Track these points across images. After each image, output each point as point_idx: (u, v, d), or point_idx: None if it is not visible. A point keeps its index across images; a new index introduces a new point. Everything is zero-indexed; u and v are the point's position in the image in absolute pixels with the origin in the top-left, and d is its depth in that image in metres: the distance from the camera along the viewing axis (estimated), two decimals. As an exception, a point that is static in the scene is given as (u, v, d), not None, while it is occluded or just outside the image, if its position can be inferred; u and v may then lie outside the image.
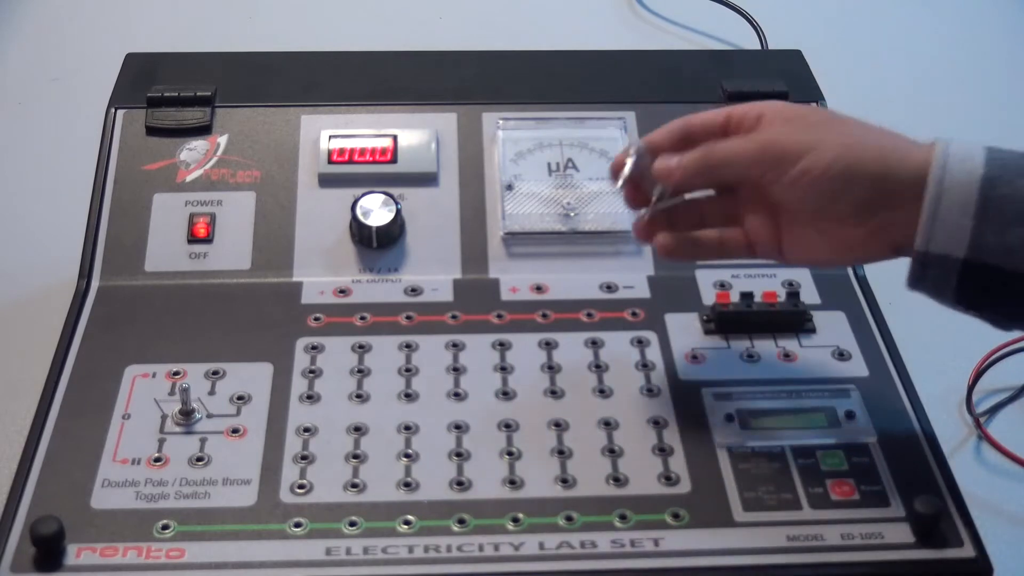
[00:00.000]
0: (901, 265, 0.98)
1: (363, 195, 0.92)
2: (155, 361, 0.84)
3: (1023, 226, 0.67)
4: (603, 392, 0.83)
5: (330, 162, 0.95)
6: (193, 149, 0.95)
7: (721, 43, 1.26)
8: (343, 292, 0.90)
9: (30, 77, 1.21)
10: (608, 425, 0.80)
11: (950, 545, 0.73)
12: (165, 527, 0.73)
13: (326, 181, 0.94)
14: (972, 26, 1.34)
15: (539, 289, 0.89)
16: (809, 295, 0.90)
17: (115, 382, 0.82)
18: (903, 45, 1.31)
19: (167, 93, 0.97)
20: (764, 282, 0.91)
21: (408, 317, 0.88)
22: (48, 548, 0.71)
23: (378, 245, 0.92)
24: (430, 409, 0.81)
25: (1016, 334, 0.91)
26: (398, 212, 0.92)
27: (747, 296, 0.88)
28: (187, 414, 0.80)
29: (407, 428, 0.80)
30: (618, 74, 1.03)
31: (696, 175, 0.76)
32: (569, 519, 0.75)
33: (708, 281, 0.91)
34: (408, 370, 0.84)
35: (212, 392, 0.82)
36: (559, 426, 0.80)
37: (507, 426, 0.80)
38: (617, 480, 0.77)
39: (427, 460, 0.78)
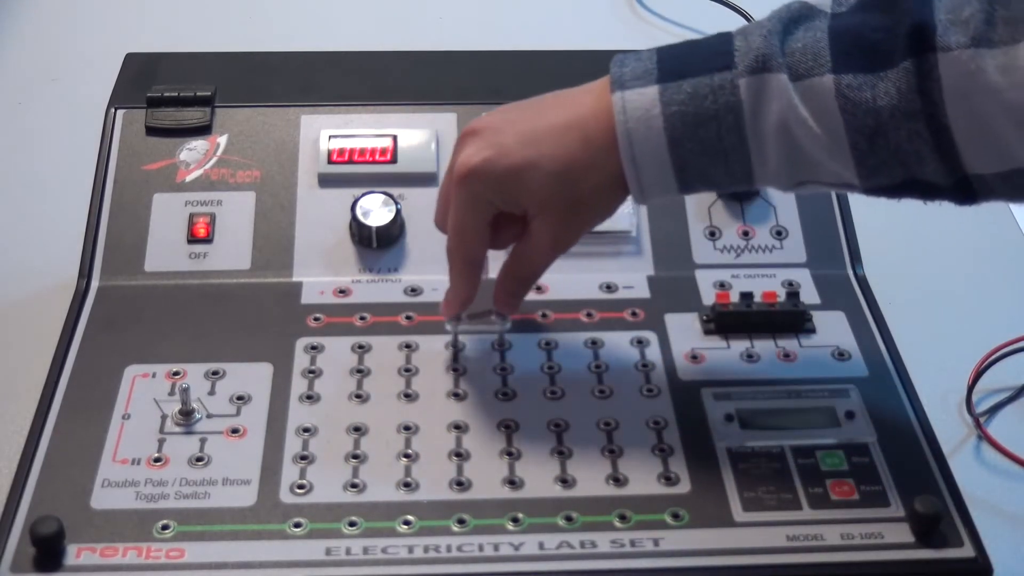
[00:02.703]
0: (901, 265, 0.99)
1: (363, 195, 0.92)
2: (155, 361, 0.84)
3: (715, 164, 0.73)
4: (603, 392, 0.83)
5: (330, 162, 0.95)
6: (193, 149, 0.95)
7: (721, 43, 1.26)
8: (343, 292, 0.90)
9: (30, 77, 1.21)
10: (608, 425, 0.80)
11: (950, 545, 0.73)
12: (165, 527, 0.73)
13: (326, 181, 0.94)
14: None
15: (539, 289, 0.89)
16: (809, 295, 0.90)
17: (115, 382, 0.82)
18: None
19: (167, 93, 0.97)
20: (764, 282, 0.91)
21: (408, 317, 0.88)
22: (48, 548, 0.71)
23: (378, 245, 0.92)
24: (430, 409, 0.81)
25: (1016, 334, 0.91)
26: (398, 212, 0.92)
27: (747, 296, 0.88)
28: (187, 414, 0.80)
29: (407, 428, 0.80)
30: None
31: (523, 294, 0.83)
32: (569, 519, 0.75)
33: (708, 281, 0.91)
34: (408, 370, 0.84)
35: (212, 392, 0.82)
36: (559, 426, 0.80)
37: (507, 426, 0.80)
38: (617, 480, 0.77)
39: (427, 460, 0.78)
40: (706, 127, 0.72)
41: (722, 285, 0.91)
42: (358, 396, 0.82)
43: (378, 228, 0.91)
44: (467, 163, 0.76)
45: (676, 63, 0.74)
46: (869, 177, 0.71)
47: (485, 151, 0.76)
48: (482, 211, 0.78)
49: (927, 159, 0.69)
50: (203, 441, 0.79)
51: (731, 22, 1.27)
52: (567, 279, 0.90)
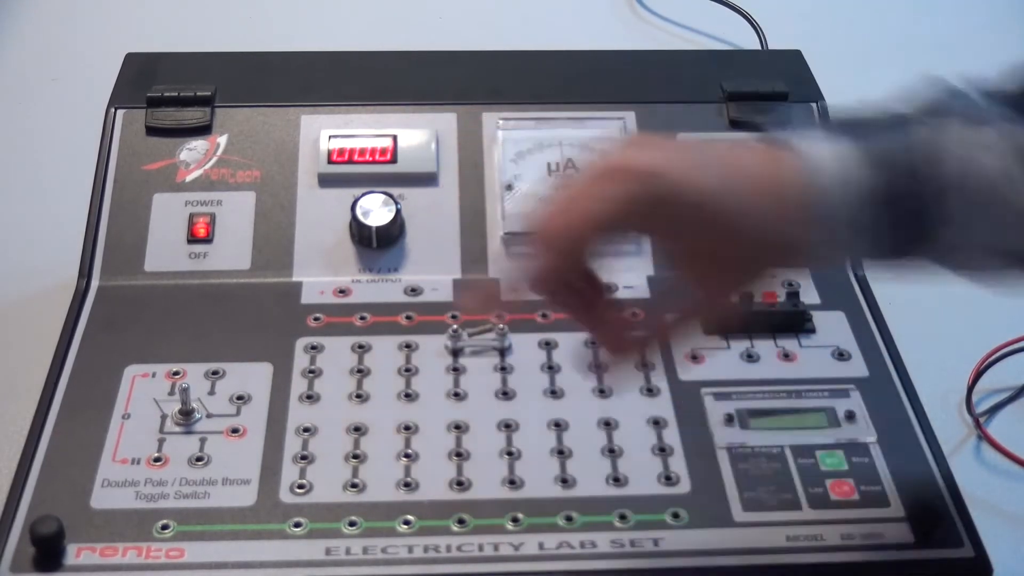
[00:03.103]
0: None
1: (363, 195, 0.92)
2: (155, 361, 0.84)
3: (909, 222, 0.65)
4: (603, 392, 0.83)
5: (330, 162, 0.95)
6: (193, 149, 0.95)
7: (721, 43, 1.26)
8: (343, 292, 0.90)
9: (30, 77, 1.21)
10: (608, 425, 0.80)
11: (950, 545, 0.73)
12: (165, 527, 0.73)
13: (326, 181, 0.94)
14: (971, 26, 1.34)
15: (539, 289, 0.89)
16: (809, 295, 0.90)
17: (115, 382, 0.82)
18: (903, 45, 1.31)
19: (167, 93, 0.97)
20: (764, 282, 0.90)
21: (408, 317, 0.88)
22: (48, 548, 0.71)
23: (378, 245, 0.92)
24: (430, 409, 0.81)
25: (1016, 334, 0.91)
26: (398, 212, 0.92)
27: (747, 296, 0.88)
28: (187, 414, 0.80)
29: (407, 428, 0.80)
30: (618, 74, 1.03)
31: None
32: (569, 519, 0.75)
33: (708, 281, 0.91)
34: (408, 370, 0.84)
35: (212, 392, 0.82)
36: (559, 426, 0.80)
37: (507, 426, 0.80)
38: (617, 480, 0.77)
39: (427, 460, 0.78)
40: (896, 181, 0.64)
41: (722, 285, 0.90)
42: (358, 396, 0.82)
43: (378, 228, 0.91)
44: (647, 159, 0.64)
45: (857, 124, 0.68)
46: None
47: (672, 158, 0.65)
48: (627, 215, 0.65)
49: None
50: (203, 441, 0.79)
51: (731, 22, 1.27)
52: (567, 279, 0.90)
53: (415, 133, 0.96)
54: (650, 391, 0.83)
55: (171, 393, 0.82)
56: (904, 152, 0.65)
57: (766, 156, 0.66)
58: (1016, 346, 0.91)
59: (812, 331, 0.87)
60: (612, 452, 0.79)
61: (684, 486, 0.77)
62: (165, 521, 0.74)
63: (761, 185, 0.65)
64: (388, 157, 0.95)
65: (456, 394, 0.82)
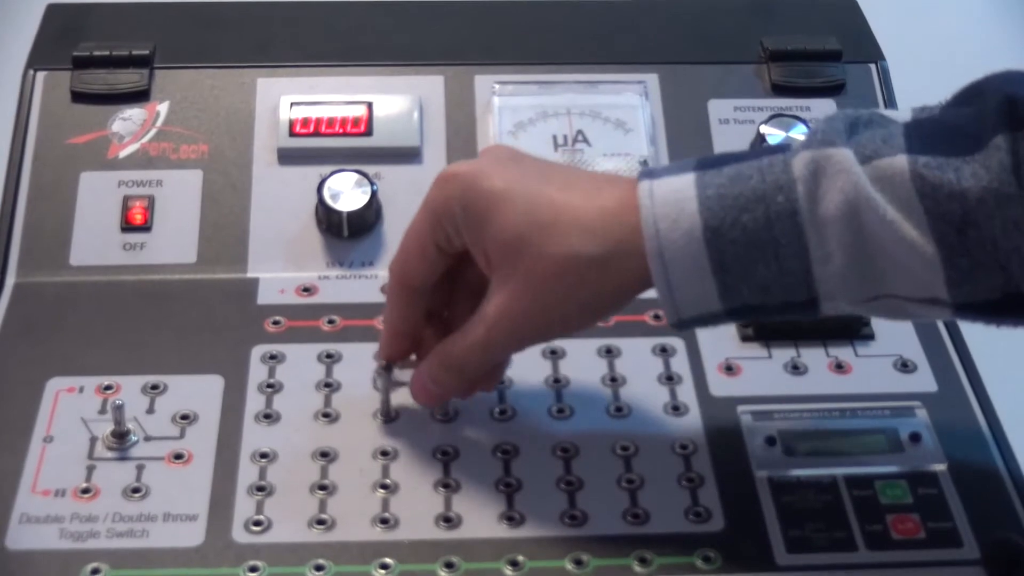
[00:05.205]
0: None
1: (331, 174, 0.92)
2: (83, 373, 0.84)
3: (763, 261, 0.70)
4: (619, 411, 0.83)
5: (292, 134, 0.95)
6: (128, 119, 0.96)
7: (761, -9, 1.27)
8: (307, 291, 0.90)
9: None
10: (626, 450, 0.81)
11: (1034, 593, 0.74)
12: (95, 571, 0.74)
13: (287, 157, 0.95)
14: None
15: (543, 287, 0.90)
16: (866, 294, 0.90)
17: (35, 398, 0.82)
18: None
19: (97, 52, 0.97)
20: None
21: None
22: (-45, 597, 0.71)
23: (349, 234, 0.92)
24: (411, 431, 0.82)
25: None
26: (373, 195, 0.92)
27: (792, 296, 0.88)
28: (121, 436, 0.80)
29: (384, 454, 0.80)
30: (638, 29, 1.04)
31: (450, 389, 0.80)
32: (578, 562, 0.75)
33: (745, 277, 0.91)
34: (386, 384, 0.84)
35: (151, 410, 0.82)
36: (567, 451, 0.81)
37: (504, 451, 0.81)
38: (636, 516, 0.77)
39: (408, 491, 0.78)
40: (751, 211, 0.69)
41: (762, 282, 0.91)
42: (326, 415, 0.82)
43: (350, 214, 0.92)
44: (453, 168, 0.76)
45: (718, 158, 0.72)
46: (960, 284, 0.68)
47: (478, 168, 0.75)
48: (439, 227, 0.76)
49: None
50: (140, 468, 0.79)
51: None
52: (576, 275, 0.90)
53: (394, 100, 0.96)
54: (676, 409, 0.83)
55: (102, 411, 0.82)
56: (756, 179, 0.69)
57: (599, 197, 0.73)
58: (1112, 356, 0.91)
59: (870, 337, 0.88)
60: (631, 483, 0.79)
61: (716, 523, 0.77)
62: (95, 564, 0.74)
63: (596, 234, 0.72)
64: (362, 128, 0.95)
65: (443, 412, 0.83)
